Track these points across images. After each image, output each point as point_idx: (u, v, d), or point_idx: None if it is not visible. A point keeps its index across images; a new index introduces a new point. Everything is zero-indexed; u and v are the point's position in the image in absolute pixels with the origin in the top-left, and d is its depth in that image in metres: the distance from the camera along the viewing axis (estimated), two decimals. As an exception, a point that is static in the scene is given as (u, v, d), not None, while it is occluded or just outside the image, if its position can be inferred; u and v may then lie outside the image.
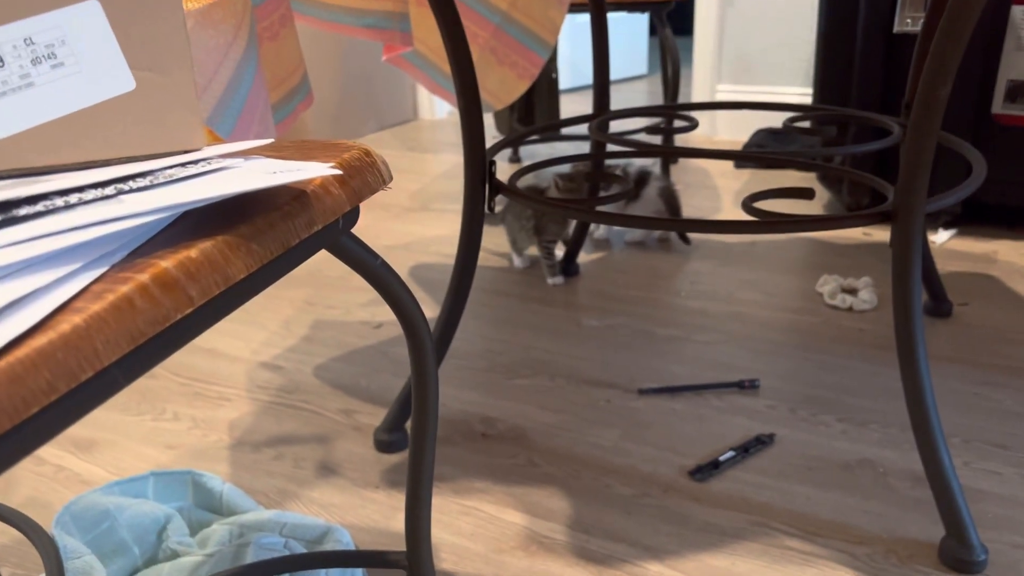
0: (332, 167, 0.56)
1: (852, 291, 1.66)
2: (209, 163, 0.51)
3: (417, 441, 0.73)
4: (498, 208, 1.91)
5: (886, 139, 1.23)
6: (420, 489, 0.75)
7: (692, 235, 2.03)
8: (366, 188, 0.60)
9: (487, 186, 1.15)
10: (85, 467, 1.22)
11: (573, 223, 1.83)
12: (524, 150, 2.89)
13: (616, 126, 3.02)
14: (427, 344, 0.69)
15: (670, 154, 1.25)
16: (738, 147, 2.78)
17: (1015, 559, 0.97)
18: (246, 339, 1.61)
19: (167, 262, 0.43)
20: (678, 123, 2.45)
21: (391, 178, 0.64)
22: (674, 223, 1.34)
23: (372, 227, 2.20)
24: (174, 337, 0.45)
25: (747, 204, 1.05)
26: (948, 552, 0.97)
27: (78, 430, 1.32)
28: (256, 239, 0.49)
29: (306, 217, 0.54)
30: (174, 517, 0.98)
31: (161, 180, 0.48)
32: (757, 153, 1.29)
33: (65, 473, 1.20)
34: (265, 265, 0.51)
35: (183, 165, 0.50)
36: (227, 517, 1.01)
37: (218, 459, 1.23)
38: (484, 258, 1.97)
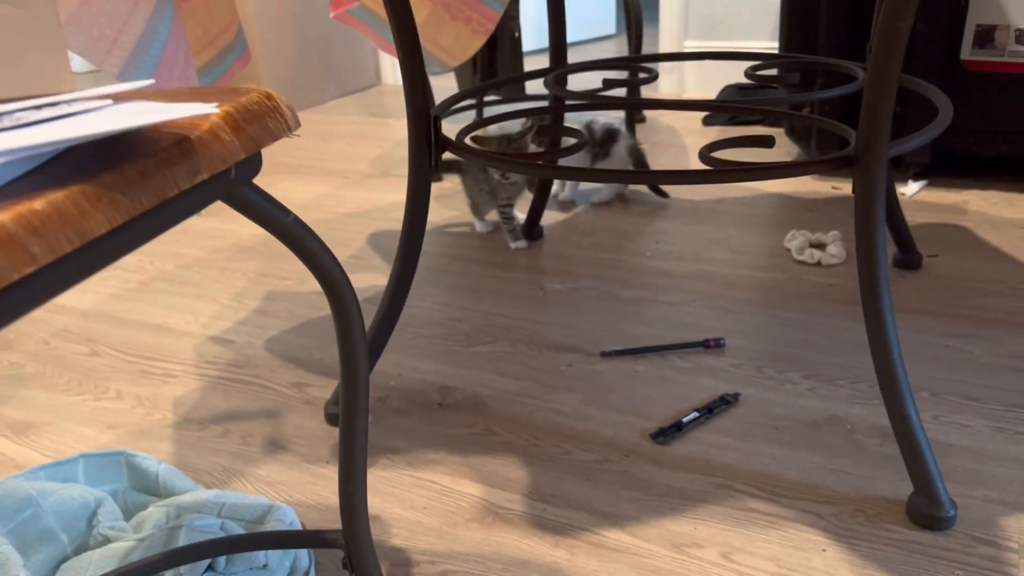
0: (215, 107, 0.50)
1: (820, 246, 1.62)
2: (70, 106, 0.45)
3: (347, 411, 0.68)
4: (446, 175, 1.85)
5: (851, 84, 1.18)
6: (352, 464, 0.70)
7: (655, 196, 1.98)
8: (266, 134, 0.54)
9: (432, 142, 1.09)
10: (20, 451, 1.16)
11: (526, 185, 1.77)
12: (490, 115, 2.82)
13: (582, 83, 2.95)
14: (351, 306, 0.64)
15: (627, 106, 1.20)
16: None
17: (986, 513, 0.94)
18: (195, 313, 1.54)
19: (2, 215, 0.37)
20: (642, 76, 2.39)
21: (298, 124, 0.58)
22: (630, 175, 1.29)
23: (331, 195, 2.13)
24: (17, 300, 0.39)
25: (704, 154, 1.00)
26: (917, 509, 0.94)
27: (13, 412, 1.25)
28: (122, 189, 0.43)
29: (188, 165, 0.48)
30: (105, 501, 0.92)
31: (6, 124, 0.41)
32: (718, 103, 1.23)
33: (-1, 458, 1.15)
34: (137, 219, 0.45)
35: (37, 108, 0.44)
36: (164, 499, 0.96)
37: (161, 438, 1.18)
38: (445, 224, 1.91)
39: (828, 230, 1.69)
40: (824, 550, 0.91)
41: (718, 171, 0.93)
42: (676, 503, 0.99)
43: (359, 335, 0.64)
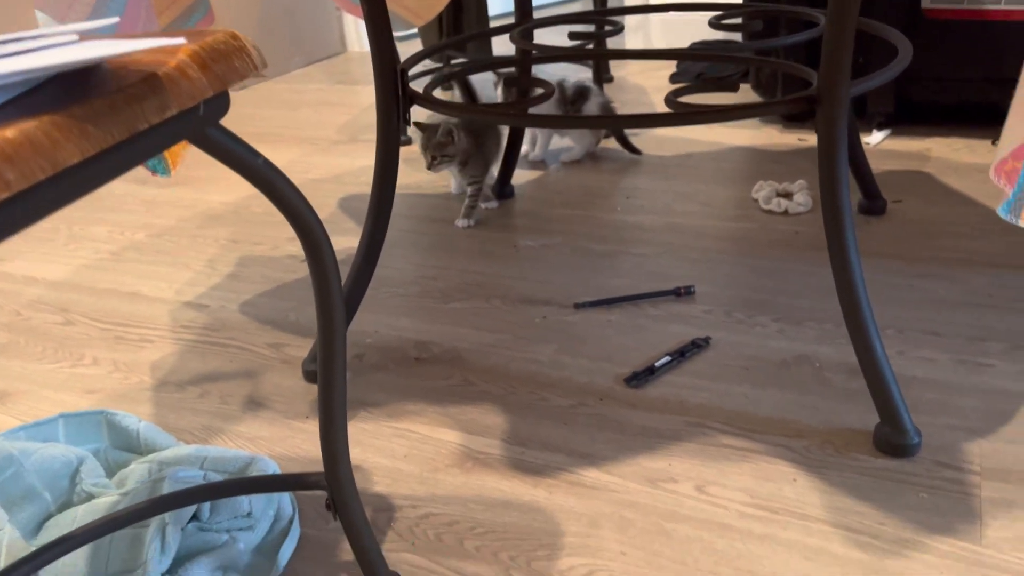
0: (182, 41, 0.50)
1: (787, 195, 1.64)
2: (36, 41, 0.45)
3: (326, 348, 0.69)
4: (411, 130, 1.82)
5: (812, 29, 1.20)
6: (332, 406, 0.71)
7: (627, 154, 1.99)
8: (232, 73, 0.55)
9: (400, 96, 1.09)
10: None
11: (494, 169, 1.75)
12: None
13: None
14: (323, 244, 0.64)
15: (592, 57, 1.20)
16: (672, 62, 2.74)
17: (949, 440, 0.98)
18: (169, 280, 1.54)
19: (-26, 141, 0.38)
20: (607, 29, 2.38)
21: (264, 65, 0.59)
22: (598, 120, 1.29)
23: (299, 161, 2.12)
24: (-7, 226, 0.39)
25: (670, 99, 1.01)
26: (883, 438, 0.97)
27: (-11, 382, 1.25)
28: (93, 121, 0.44)
29: (157, 100, 0.48)
30: (87, 459, 0.93)
31: (-28, 57, 0.42)
32: (681, 51, 1.24)
33: (-24, 426, 1.14)
34: (108, 151, 0.46)
35: (2, 43, 0.44)
36: (146, 455, 0.97)
37: (140, 401, 1.18)
38: (417, 186, 1.91)
39: (795, 180, 1.71)
40: (795, 480, 0.94)
41: (683, 114, 0.94)
42: (651, 442, 1.02)
43: (332, 270, 0.65)
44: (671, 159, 1.94)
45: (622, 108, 2.31)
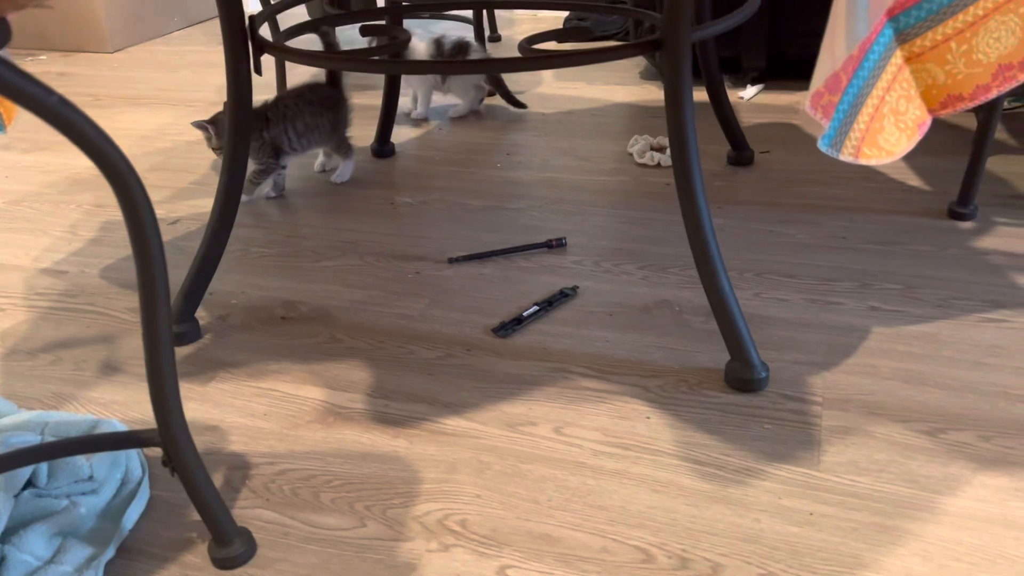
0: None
1: (660, 149, 1.67)
2: None
3: (146, 297, 0.67)
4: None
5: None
6: (158, 355, 0.69)
7: (512, 109, 1.99)
8: (5, 2, 0.51)
9: (249, 45, 1.06)
10: None
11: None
12: (341, 36, 2.74)
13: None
14: (132, 184, 0.62)
15: (465, 6, 1.19)
16: (561, 22, 2.74)
17: (796, 374, 1.02)
18: (26, 247, 1.47)
19: None
20: None
21: (50, -6, 0.55)
22: (455, 66, 1.27)
23: (174, 124, 2.04)
24: None
25: (523, 46, 1.00)
26: (732, 374, 1.00)
27: None
28: None
29: (-94, 24, 0.45)
30: (-85, 430, 0.88)
31: None
32: (555, 0, 1.23)
33: None
34: None
35: None
36: (-17, 424, 0.92)
37: (-14, 371, 1.12)
38: (294, 146, 1.86)
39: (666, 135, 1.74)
40: (648, 417, 0.96)
41: (534, 58, 0.94)
42: (513, 388, 1.03)
43: (146, 212, 0.63)
44: (553, 116, 1.95)
45: (508, 67, 2.30)
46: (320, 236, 1.44)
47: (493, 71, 0.97)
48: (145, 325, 0.68)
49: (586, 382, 1.03)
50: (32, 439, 0.85)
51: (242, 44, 1.06)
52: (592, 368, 1.05)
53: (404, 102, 2.01)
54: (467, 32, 2.56)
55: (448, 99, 2.00)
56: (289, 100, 1.55)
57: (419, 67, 1.49)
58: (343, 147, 1.64)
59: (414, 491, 0.88)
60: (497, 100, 2.02)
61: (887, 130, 0.78)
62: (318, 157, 1.74)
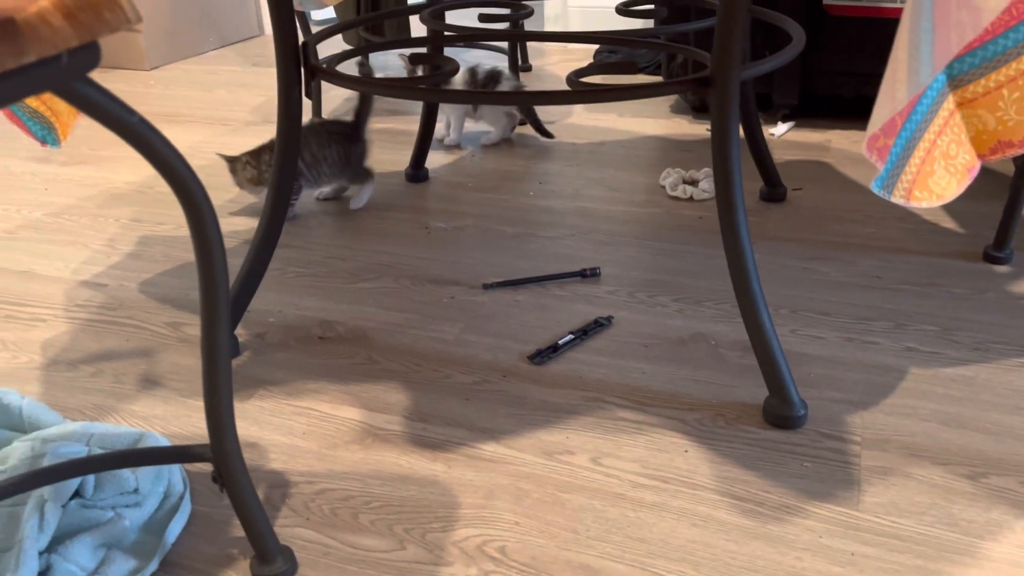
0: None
1: (693, 182, 1.68)
2: None
3: (208, 315, 0.68)
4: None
5: (713, 17, 1.23)
6: (216, 373, 0.70)
7: (541, 139, 2.01)
8: (101, 24, 0.53)
9: (302, 69, 1.08)
10: None
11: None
12: (375, 61, 2.78)
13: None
14: (203, 204, 0.63)
15: (503, 38, 1.21)
16: (590, 53, 2.77)
17: (834, 412, 1.02)
18: (66, 259, 1.49)
19: None
20: (520, 12, 2.39)
21: (139, 18, 0.57)
22: (503, 96, 1.30)
23: (211, 142, 2.07)
24: None
25: (572, 79, 1.02)
26: (771, 410, 1.00)
27: None
28: (-63, 60, 0.42)
29: (12, 46, 0.47)
30: (-36, 436, 0.89)
31: None
32: (588, 34, 1.26)
33: None
34: (-44, 93, 0.44)
35: None
36: (29, 433, 0.93)
37: (28, 380, 1.14)
38: (329, 168, 1.88)
39: (701, 168, 1.75)
40: (686, 451, 0.96)
41: (581, 92, 0.96)
42: (550, 416, 1.03)
43: (214, 234, 0.64)
44: (584, 146, 1.96)
45: (539, 96, 2.33)
46: (356, 258, 1.46)
47: (541, 103, 0.98)
48: (205, 341, 0.69)
49: (623, 413, 1.03)
50: (80, 450, 0.86)
51: (295, 67, 1.08)
52: (628, 399, 1.06)
53: (438, 128, 2.03)
54: (501, 61, 2.59)
55: (480, 126, 2.03)
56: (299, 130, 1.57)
57: (466, 97, 1.51)
58: (359, 177, 1.65)
59: (453, 516, 0.89)
60: (527, 129, 2.04)
61: (938, 173, 0.79)
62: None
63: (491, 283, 1.35)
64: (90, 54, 0.54)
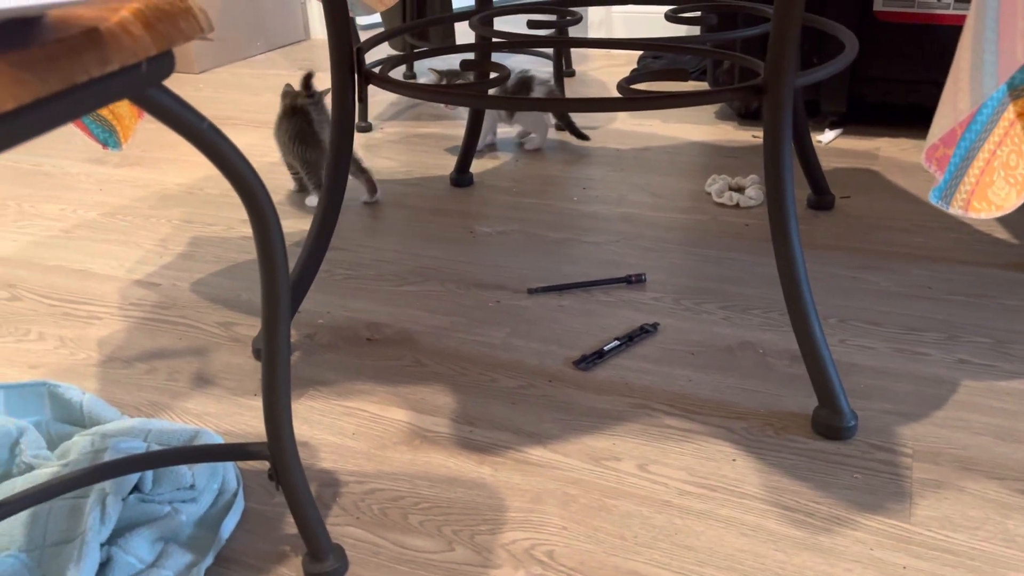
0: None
1: (739, 189, 1.67)
2: (-27, -13, 0.45)
3: (269, 316, 0.70)
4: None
5: (765, 24, 1.22)
6: (276, 374, 0.72)
7: (578, 142, 2.01)
8: (177, 33, 0.55)
9: (356, 75, 1.10)
10: (-62, 392, 1.14)
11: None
12: (420, 67, 2.80)
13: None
14: (267, 209, 0.65)
15: (550, 45, 1.22)
16: (634, 58, 2.77)
17: (884, 423, 1.01)
18: (119, 259, 1.52)
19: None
20: (567, 19, 2.40)
21: (211, 28, 0.59)
22: (552, 103, 1.31)
23: (259, 145, 2.11)
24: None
25: (622, 85, 1.02)
26: (820, 421, 0.99)
27: (-70, 355, 1.23)
28: (29, 69, 0.44)
29: (97, 54, 0.48)
30: (28, 431, 0.92)
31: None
32: (637, 41, 1.26)
33: (-85, 399, 1.12)
34: (46, 100, 0.46)
35: (-60, -13, 0.44)
36: (89, 428, 0.96)
37: (86, 376, 1.17)
38: (377, 171, 1.90)
39: (747, 175, 1.74)
40: (734, 460, 0.96)
41: (631, 99, 0.96)
42: (596, 422, 1.03)
43: (277, 239, 0.66)
44: (628, 152, 1.96)
45: (583, 101, 2.33)
46: (402, 261, 1.47)
47: (594, 110, 0.99)
48: (266, 342, 0.71)
49: (670, 420, 1.03)
50: (138, 446, 0.89)
51: (349, 73, 1.09)
52: (675, 406, 1.05)
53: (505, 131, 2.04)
54: (545, 66, 2.60)
55: (513, 131, 2.03)
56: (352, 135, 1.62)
57: (523, 104, 1.52)
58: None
59: (501, 519, 0.89)
60: (565, 136, 2.04)
61: (997, 184, 0.78)
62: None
63: (536, 288, 1.35)
64: (166, 62, 0.56)
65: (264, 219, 0.65)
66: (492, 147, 2.01)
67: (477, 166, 1.90)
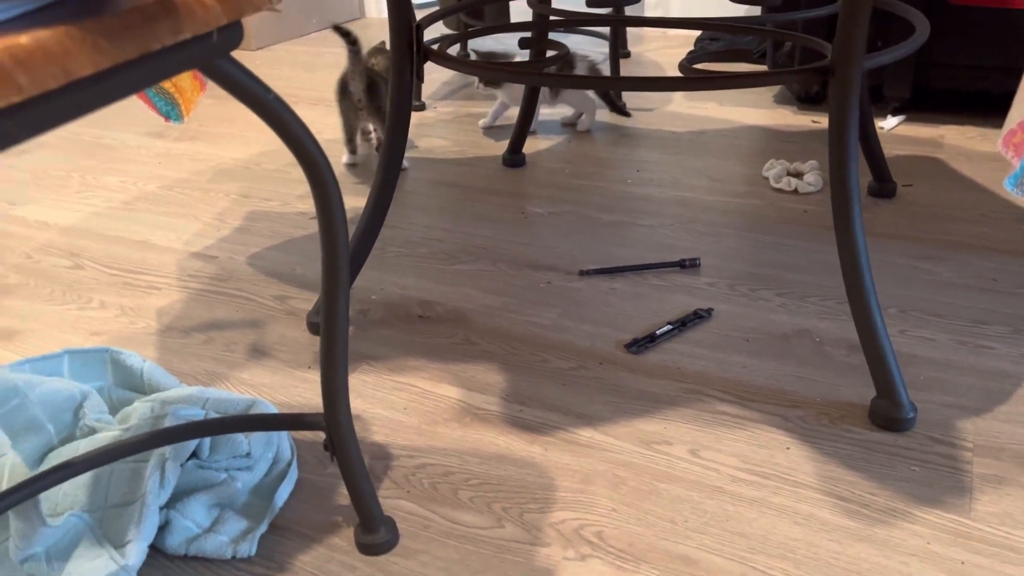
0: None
1: (798, 175, 1.64)
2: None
3: (329, 291, 0.70)
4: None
5: (831, 5, 1.19)
6: (334, 345, 0.72)
7: (639, 125, 1.99)
8: (247, 3, 0.55)
9: (415, 51, 1.09)
10: (6, 356, 1.17)
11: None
12: (476, 47, 2.79)
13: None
14: (329, 181, 0.65)
15: (608, 23, 1.20)
16: (690, 40, 2.72)
17: (944, 416, 0.98)
18: (178, 231, 1.55)
19: (-9, 44, 0.38)
20: None
21: (280, -1, 0.59)
22: (611, 81, 1.29)
23: (315, 122, 2.13)
24: (5, 129, 0.40)
25: (684, 64, 1.01)
26: (878, 412, 0.97)
27: (-2, 320, 1.27)
28: (106, 36, 0.44)
29: (171, 23, 0.49)
30: (91, 395, 0.94)
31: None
32: (699, 20, 1.24)
33: (-16, 362, 1.16)
34: (121, 67, 0.46)
35: (22, -45, 0.45)
36: (149, 395, 0.98)
37: (145, 344, 1.19)
38: (430, 150, 1.91)
39: (806, 161, 1.71)
40: (788, 448, 0.95)
41: (693, 79, 0.94)
42: (648, 406, 1.03)
43: (338, 210, 0.66)
44: (684, 135, 1.94)
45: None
46: (453, 240, 1.48)
47: (658, 89, 0.97)
48: (326, 315, 0.71)
49: (723, 406, 1.02)
50: (197, 413, 0.90)
51: (408, 50, 1.09)
52: (729, 393, 1.04)
53: (509, 113, 2.03)
54: (600, 46, 2.57)
55: (556, 113, 2.02)
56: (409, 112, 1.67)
57: (585, 82, 1.50)
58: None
59: (550, 498, 0.89)
60: (618, 118, 2.02)
61: (1076, 172, 0.75)
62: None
63: (588, 270, 1.35)
64: (235, 33, 0.56)
65: (326, 190, 0.66)
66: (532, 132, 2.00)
67: (529, 147, 1.90)
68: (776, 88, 2.24)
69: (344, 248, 0.69)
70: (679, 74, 1.00)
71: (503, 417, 1.02)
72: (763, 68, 2.27)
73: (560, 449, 0.96)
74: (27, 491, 0.76)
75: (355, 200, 1.65)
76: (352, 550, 0.83)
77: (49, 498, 0.83)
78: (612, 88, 1.88)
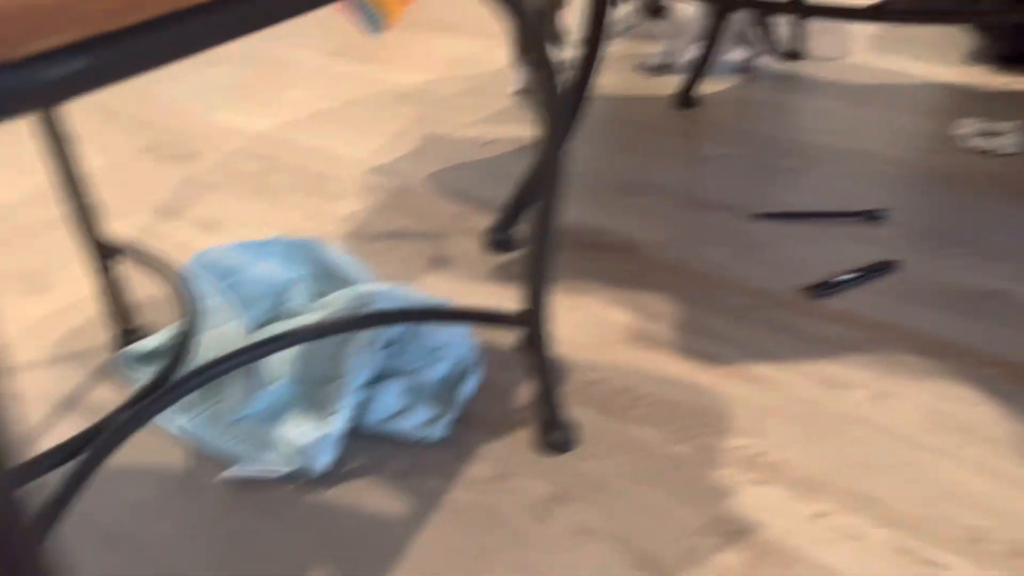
0: None
1: (994, 135, 1.54)
2: None
3: (545, 196, 0.72)
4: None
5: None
6: (543, 247, 0.75)
7: (818, 74, 1.91)
8: None
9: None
10: (209, 242, 1.27)
11: None
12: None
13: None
14: (551, 78, 0.67)
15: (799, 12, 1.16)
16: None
17: None
18: (357, 146, 1.62)
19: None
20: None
21: None
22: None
23: (484, 53, 2.15)
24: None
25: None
26: (1079, 379, 0.92)
27: (202, 211, 1.37)
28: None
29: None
30: (298, 281, 1.01)
31: None
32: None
33: (192, 248, 1.26)
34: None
35: None
36: (349, 286, 1.04)
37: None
38: (603, 86, 1.91)
39: (1001, 121, 1.61)
40: (978, 405, 0.92)
41: (901, 12, 0.90)
42: (827, 349, 1.01)
43: (557, 100, 0.68)
44: (866, 87, 1.85)
45: (813, 34, 2.21)
46: (625, 174, 1.48)
47: (846, 18, 0.93)
48: (539, 218, 0.74)
49: (907, 358, 0.99)
50: (397, 303, 0.96)
51: (613, -27, 1.09)
52: (914, 345, 1.01)
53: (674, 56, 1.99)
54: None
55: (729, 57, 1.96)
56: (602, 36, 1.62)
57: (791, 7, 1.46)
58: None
59: (725, 425, 0.90)
60: (795, 65, 1.95)
61: None
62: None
63: (762, 213, 1.32)
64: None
65: (550, 86, 0.67)
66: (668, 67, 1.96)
67: (703, 88, 1.86)
68: (969, 46, 2.10)
69: (560, 131, 0.70)
70: (865, 38, 0.96)
71: (675, 345, 1.03)
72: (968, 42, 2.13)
73: (735, 381, 0.96)
74: (246, 356, 0.83)
75: (522, 129, 1.67)
76: (534, 446, 0.87)
77: (263, 363, 0.90)
78: (814, 15, 1.81)
